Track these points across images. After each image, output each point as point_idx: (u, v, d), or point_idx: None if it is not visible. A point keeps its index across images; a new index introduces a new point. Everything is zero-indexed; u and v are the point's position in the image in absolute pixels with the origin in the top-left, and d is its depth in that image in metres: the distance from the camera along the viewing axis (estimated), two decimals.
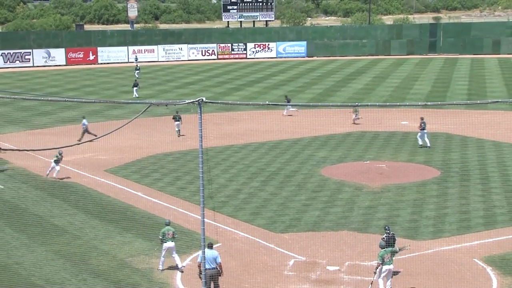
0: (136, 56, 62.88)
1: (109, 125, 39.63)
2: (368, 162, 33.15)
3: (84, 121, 38.51)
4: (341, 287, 18.60)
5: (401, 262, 19.57)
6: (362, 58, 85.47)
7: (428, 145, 35.59)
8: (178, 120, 39.49)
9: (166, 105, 44.14)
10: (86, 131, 37.71)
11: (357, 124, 41.68)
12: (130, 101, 50.62)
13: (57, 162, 30.16)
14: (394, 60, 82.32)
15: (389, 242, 19.33)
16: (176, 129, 39.44)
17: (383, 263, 17.88)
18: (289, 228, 23.50)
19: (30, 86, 62.36)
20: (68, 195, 27.73)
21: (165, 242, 19.83)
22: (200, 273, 17.50)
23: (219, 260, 17.80)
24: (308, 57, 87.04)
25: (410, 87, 59.03)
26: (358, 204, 26.24)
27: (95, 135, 35.30)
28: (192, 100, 15.43)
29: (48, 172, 30.36)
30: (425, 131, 35.73)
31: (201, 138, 14.74)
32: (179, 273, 19.55)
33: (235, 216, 24.84)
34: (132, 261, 20.57)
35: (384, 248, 18.16)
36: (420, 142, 35.86)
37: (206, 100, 15.00)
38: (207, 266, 17.26)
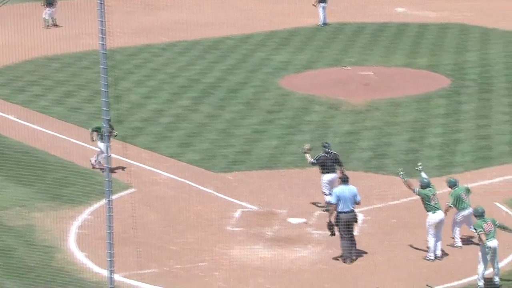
0: None
1: None
2: (348, 68, 33.25)
3: None
4: (309, 246, 18.84)
5: (392, 209, 19.94)
6: None
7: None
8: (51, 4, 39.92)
9: None
10: None
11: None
12: None
13: None
14: None
15: (326, 163, 19.64)
16: (45, 16, 39.84)
17: (484, 237, 16.36)
18: (234, 165, 23.60)
19: None
20: None
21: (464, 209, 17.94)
22: (329, 223, 17.89)
23: (358, 198, 18.05)
24: None
25: None
26: (333, 128, 26.41)
27: None
28: None
29: None
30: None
31: (103, 33, 14.32)
32: (72, 235, 19.46)
33: (155, 149, 24.85)
34: (3, 216, 20.44)
35: (481, 215, 16.48)
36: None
37: None
38: (343, 209, 17.72)
